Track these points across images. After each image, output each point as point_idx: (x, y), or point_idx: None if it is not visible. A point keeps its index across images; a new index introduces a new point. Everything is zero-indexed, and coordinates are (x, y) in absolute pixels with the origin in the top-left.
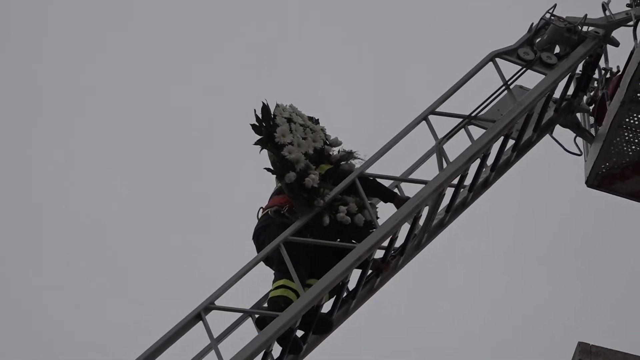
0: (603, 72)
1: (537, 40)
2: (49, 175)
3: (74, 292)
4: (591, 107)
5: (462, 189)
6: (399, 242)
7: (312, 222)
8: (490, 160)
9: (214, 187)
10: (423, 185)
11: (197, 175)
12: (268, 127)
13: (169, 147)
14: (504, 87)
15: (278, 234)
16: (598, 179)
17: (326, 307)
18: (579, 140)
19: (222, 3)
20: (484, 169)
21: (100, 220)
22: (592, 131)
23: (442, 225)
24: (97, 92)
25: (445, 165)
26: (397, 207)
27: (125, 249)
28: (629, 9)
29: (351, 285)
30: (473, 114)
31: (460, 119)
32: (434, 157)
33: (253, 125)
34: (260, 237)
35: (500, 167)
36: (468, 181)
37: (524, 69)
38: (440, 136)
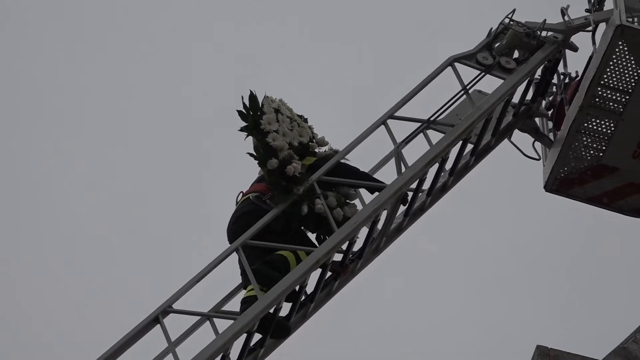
0: (562, 77)
1: (496, 45)
2: (47, 173)
3: (72, 292)
4: (550, 112)
5: (420, 193)
6: (357, 246)
7: (291, 211)
8: (448, 165)
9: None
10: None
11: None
12: (255, 114)
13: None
14: (462, 92)
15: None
16: (556, 184)
17: (284, 311)
18: (538, 144)
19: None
20: (442, 173)
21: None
22: (551, 136)
23: (400, 229)
24: (95, 92)
25: (403, 169)
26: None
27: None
28: (588, 14)
29: (309, 288)
30: (432, 119)
31: (419, 124)
32: (392, 161)
33: (240, 112)
34: (240, 224)
35: (458, 172)
36: (426, 185)
37: (483, 73)
38: (399, 140)
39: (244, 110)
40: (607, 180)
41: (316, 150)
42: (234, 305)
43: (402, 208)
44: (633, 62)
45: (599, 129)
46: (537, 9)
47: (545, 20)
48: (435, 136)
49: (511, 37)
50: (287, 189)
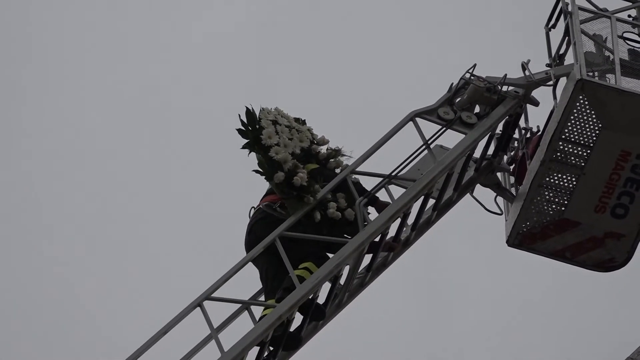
0: (523, 131)
1: (457, 99)
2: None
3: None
4: (511, 167)
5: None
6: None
7: (304, 219)
8: (410, 220)
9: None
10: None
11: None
12: (254, 130)
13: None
14: (424, 147)
15: (271, 228)
16: (519, 238)
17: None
18: (500, 199)
19: None
20: (404, 228)
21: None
22: (513, 190)
23: (362, 284)
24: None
25: (365, 224)
26: (378, 211)
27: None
28: (549, 68)
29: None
30: (393, 173)
31: (381, 178)
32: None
33: (239, 130)
34: (254, 232)
35: (420, 227)
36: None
37: (444, 128)
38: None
39: (242, 128)
40: (570, 234)
41: (318, 151)
42: None
43: (363, 264)
44: (594, 116)
45: (561, 183)
46: (497, 63)
47: (505, 75)
48: (397, 191)
49: (472, 92)
50: (299, 198)
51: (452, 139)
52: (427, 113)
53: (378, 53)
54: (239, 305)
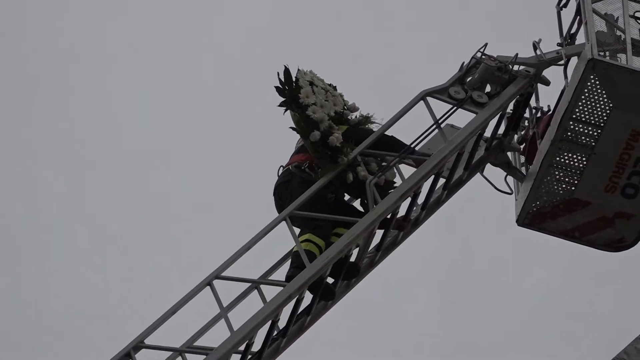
0: (534, 111)
1: (468, 79)
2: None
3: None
4: (522, 146)
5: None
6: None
7: (336, 180)
8: (421, 199)
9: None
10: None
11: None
12: (291, 89)
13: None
14: (435, 126)
15: (299, 190)
16: (529, 218)
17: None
18: (510, 179)
19: None
20: (414, 208)
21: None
22: (523, 170)
23: (372, 264)
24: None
25: (376, 203)
26: (416, 165)
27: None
28: (560, 48)
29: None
30: (403, 154)
31: (392, 157)
32: (357, 202)
33: (277, 88)
34: (282, 192)
35: (431, 206)
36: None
37: (455, 107)
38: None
39: (280, 86)
40: (580, 214)
41: (349, 117)
42: (281, 274)
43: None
44: (605, 95)
45: (571, 163)
46: (509, 43)
47: (517, 54)
48: (407, 170)
49: (483, 71)
50: (333, 158)
51: (463, 118)
52: (438, 92)
53: (393, 30)
54: (248, 285)
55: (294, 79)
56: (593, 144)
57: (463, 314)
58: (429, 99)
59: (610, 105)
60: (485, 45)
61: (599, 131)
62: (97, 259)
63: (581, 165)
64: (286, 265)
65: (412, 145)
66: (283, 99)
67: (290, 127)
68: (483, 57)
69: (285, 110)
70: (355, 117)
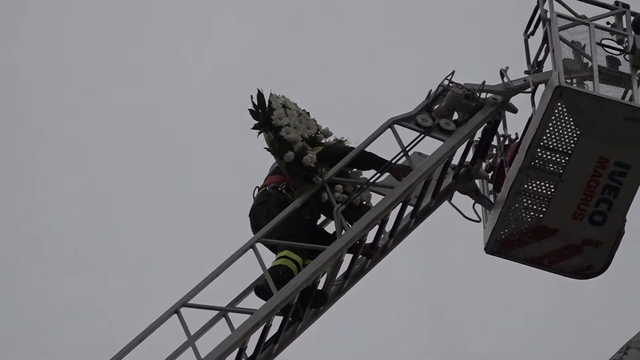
0: (501, 138)
1: (436, 106)
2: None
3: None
4: (490, 174)
5: (360, 256)
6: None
7: (311, 200)
8: (388, 227)
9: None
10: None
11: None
12: (264, 111)
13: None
14: (402, 154)
15: (276, 211)
16: (497, 246)
17: None
18: (478, 206)
19: None
20: (382, 235)
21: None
22: (491, 198)
23: (340, 291)
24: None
25: (343, 231)
26: (396, 177)
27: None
28: (527, 75)
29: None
30: (371, 180)
31: (359, 184)
32: (332, 223)
33: (250, 111)
34: (258, 213)
35: (398, 234)
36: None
37: (422, 135)
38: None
39: (253, 109)
40: (548, 241)
41: (322, 141)
42: (250, 301)
43: (341, 271)
44: (572, 123)
45: (539, 190)
46: (476, 70)
47: (484, 81)
48: (375, 198)
49: (450, 98)
50: (308, 178)
51: (430, 145)
52: (406, 120)
53: (360, 58)
54: (216, 312)
55: (267, 102)
56: (561, 171)
57: (440, 341)
58: (396, 126)
59: (578, 132)
60: (453, 72)
61: (567, 159)
62: (60, 288)
63: (549, 192)
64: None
65: (380, 174)
66: (256, 122)
67: (265, 148)
68: (450, 84)
69: (259, 133)
70: (329, 141)
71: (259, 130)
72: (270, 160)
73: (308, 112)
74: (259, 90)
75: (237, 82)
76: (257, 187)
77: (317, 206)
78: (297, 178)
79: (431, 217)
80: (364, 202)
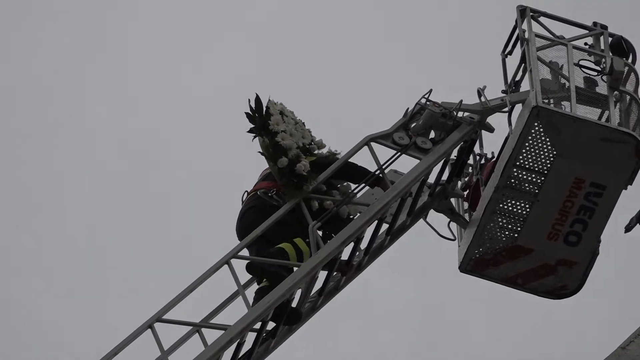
0: (478, 157)
1: (413, 124)
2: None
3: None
4: (465, 193)
5: (335, 272)
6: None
7: (298, 208)
8: (363, 244)
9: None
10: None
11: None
12: (262, 116)
13: None
14: (378, 171)
15: (265, 215)
16: (471, 264)
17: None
18: (453, 225)
19: None
20: (357, 253)
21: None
22: (466, 216)
23: (314, 309)
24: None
25: (319, 248)
26: (384, 189)
27: None
28: (504, 95)
29: None
30: (347, 198)
31: (334, 204)
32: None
33: (247, 114)
34: (248, 217)
35: (373, 251)
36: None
37: (399, 153)
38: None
39: (250, 113)
40: (522, 261)
41: (315, 152)
42: (224, 317)
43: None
44: (548, 143)
45: (515, 210)
46: (453, 89)
47: (461, 100)
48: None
49: (427, 117)
50: (298, 186)
51: (407, 163)
52: (382, 138)
53: (335, 78)
54: (190, 328)
55: (264, 107)
56: (536, 191)
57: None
58: (373, 144)
59: (554, 152)
60: (430, 91)
61: (543, 179)
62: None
63: (524, 212)
64: (228, 309)
65: (355, 191)
66: (253, 126)
67: (259, 152)
68: (427, 103)
69: (255, 136)
70: (322, 152)
71: (254, 134)
72: (262, 166)
73: (304, 123)
74: (256, 95)
75: (232, 103)
76: (247, 191)
77: (304, 214)
78: (288, 185)
79: (406, 235)
80: (351, 217)
